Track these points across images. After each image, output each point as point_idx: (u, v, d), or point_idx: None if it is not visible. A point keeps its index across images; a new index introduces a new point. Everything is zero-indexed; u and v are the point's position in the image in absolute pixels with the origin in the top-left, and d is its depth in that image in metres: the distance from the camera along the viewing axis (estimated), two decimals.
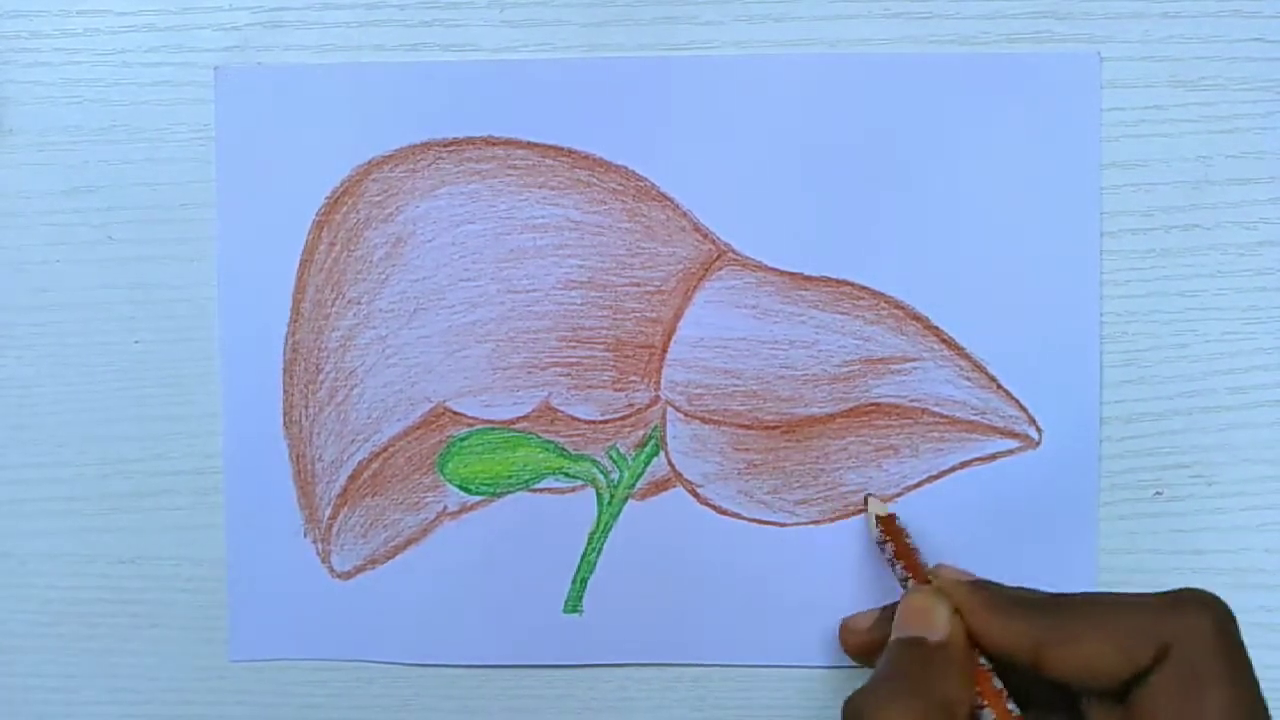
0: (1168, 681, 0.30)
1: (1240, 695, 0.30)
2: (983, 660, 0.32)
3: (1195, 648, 0.30)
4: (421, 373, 0.39)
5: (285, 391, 0.39)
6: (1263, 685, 0.39)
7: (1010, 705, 0.31)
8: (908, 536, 0.37)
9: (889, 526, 0.37)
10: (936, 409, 0.38)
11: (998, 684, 0.32)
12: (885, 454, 0.38)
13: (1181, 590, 0.31)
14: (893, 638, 0.33)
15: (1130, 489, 0.38)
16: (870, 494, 0.38)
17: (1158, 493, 0.38)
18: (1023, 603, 0.32)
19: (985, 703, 0.31)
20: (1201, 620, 0.30)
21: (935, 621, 0.32)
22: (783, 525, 0.38)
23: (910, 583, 0.35)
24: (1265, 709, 0.30)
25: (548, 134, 0.38)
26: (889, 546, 0.36)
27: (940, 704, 0.31)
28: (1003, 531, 0.38)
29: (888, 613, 0.36)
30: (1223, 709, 0.29)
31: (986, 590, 0.33)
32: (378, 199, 0.38)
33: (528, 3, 0.38)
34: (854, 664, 0.38)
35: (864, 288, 0.38)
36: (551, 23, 0.38)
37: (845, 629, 0.38)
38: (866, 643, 0.37)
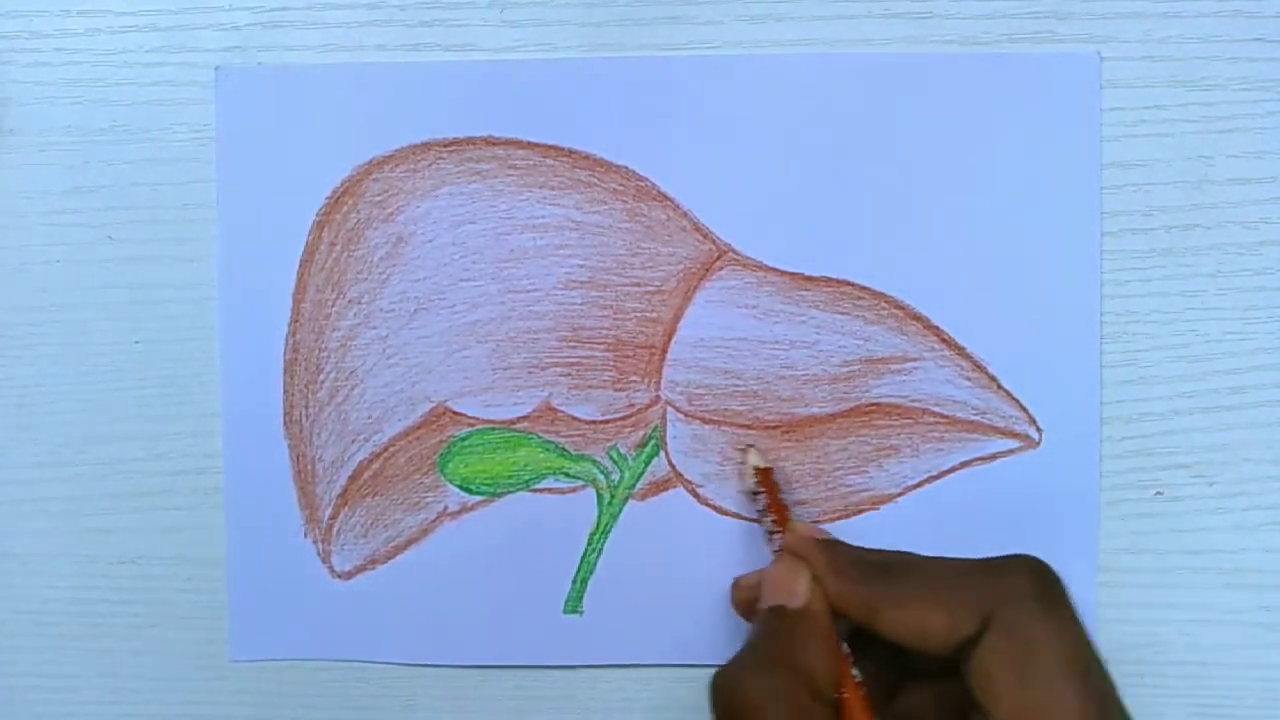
0: (996, 647, 0.30)
1: (1068, 652, 0.30)
2: (845, 645, 0.33)
3: (1017, 612, 0.30)
4: (422, 373, 0.39)
5: (285, 391, 0.39)
6: (1264, 685, 0.39)
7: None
8: (781, 493, 0.37)
9: (766, 479, 0.37)
10: (937, 409, 0.38)
11: (856, 674, 0.32)
12: (886, 454, 0.38)
13: (1002, 557, 0.32)
14: (759, 606, 0.34)
15: (1130, 489, 0.38)
16: (752, 445, 0.38)
17: (1158, 493, 0.38)
18: (862, 565, 0.33)
19: (841, 690, 0.32)
20: (1020, 584, 0.31)
21: (795, 588, 0.33)
22: None
23: (776, 539, 0.35)
24: (1098, 663, 0.30)
25: (548, 134, 0.38)
26: (761, 498, 0.37)
27: (798, 672, 0.31)
28: (1003, 531, 0.38)
29: None
30: (1054, 667, 0.30)
31: (832, 551, 0.34)
32: (378, 199, 0.38)
33: (528, 3, 0.38)
34: None
35: (864, 288, 0.38)
36: (551, 23, 0.38)
37: (735, 586, 0.38)
38: (750, 599, 0.37)
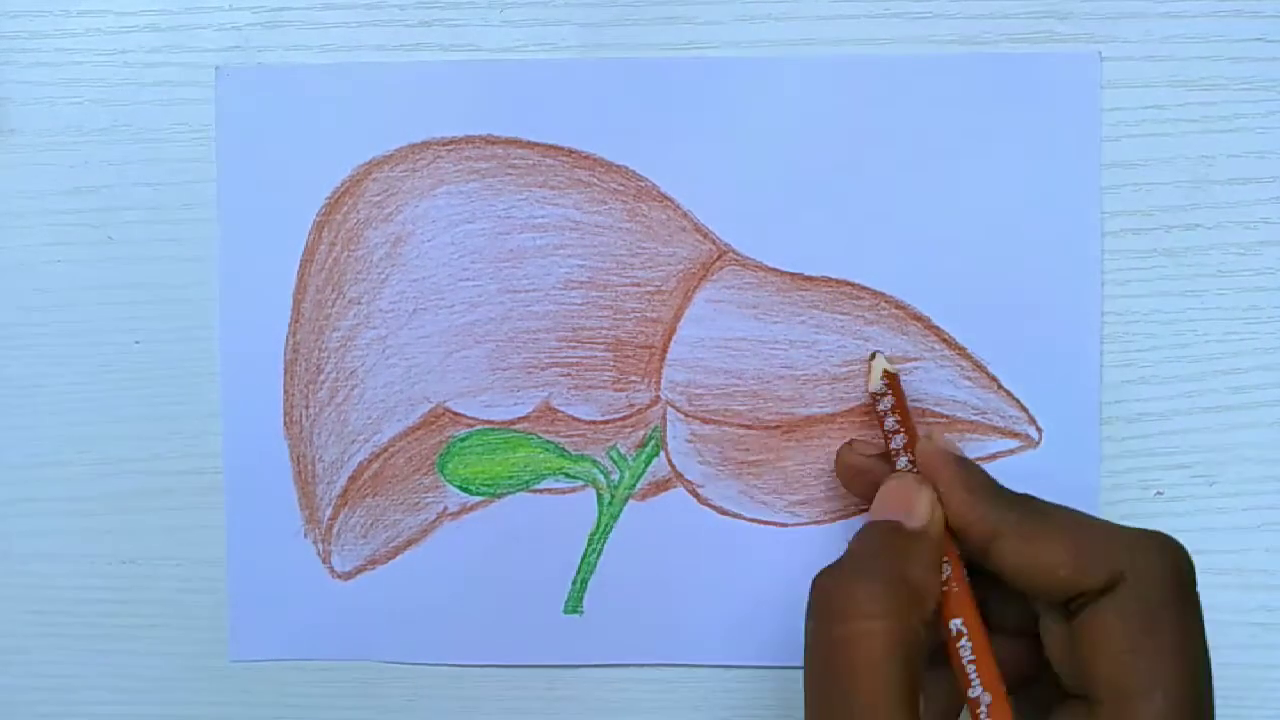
0: (1119, 608, 0.29)
1: (1189, 639, 0.29)
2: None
3: (1151, 582, 0.29)
4: (421, 373, 0.39)
5: (285, 391, 0.39)
6: (1264, 685, 0.39)
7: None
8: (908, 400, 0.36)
9: (894, 385, 0.36)
10: (937, 409, 0.38)
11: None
12: None
13: (1148, 530, 0.31)
14: (869, 519, 0.33)
15: (1130, 489, 0.38)
16: (879, 351, 0.38)
17: (1158, 493, 0.38)
18: (994, 489, 0.32)
19: (957, 612, 0.31)
20: (1161, 558, 0.30)
21: (916, 508, 0.32)
22: (783, 526, 0.38)
23: (901, 441, 0.35)
24: (1208, 662, 0.30)
25: (548, 134, 0.38)
26: (888, 400, 0.36)
27: (909, 588, 0.30)
28: None
29: (886, 456, 0.35)
30: (1173, 647, 0.29)
31: (967, 468, 0.33)
32: (378, 199, 0.38)
33: (528, 3, 0.38)
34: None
35: (864, 288, 0.38)
36: (551, 23, 0.38)
37: (848, 446, 0.37)
38: (858, 466, 0.36)
